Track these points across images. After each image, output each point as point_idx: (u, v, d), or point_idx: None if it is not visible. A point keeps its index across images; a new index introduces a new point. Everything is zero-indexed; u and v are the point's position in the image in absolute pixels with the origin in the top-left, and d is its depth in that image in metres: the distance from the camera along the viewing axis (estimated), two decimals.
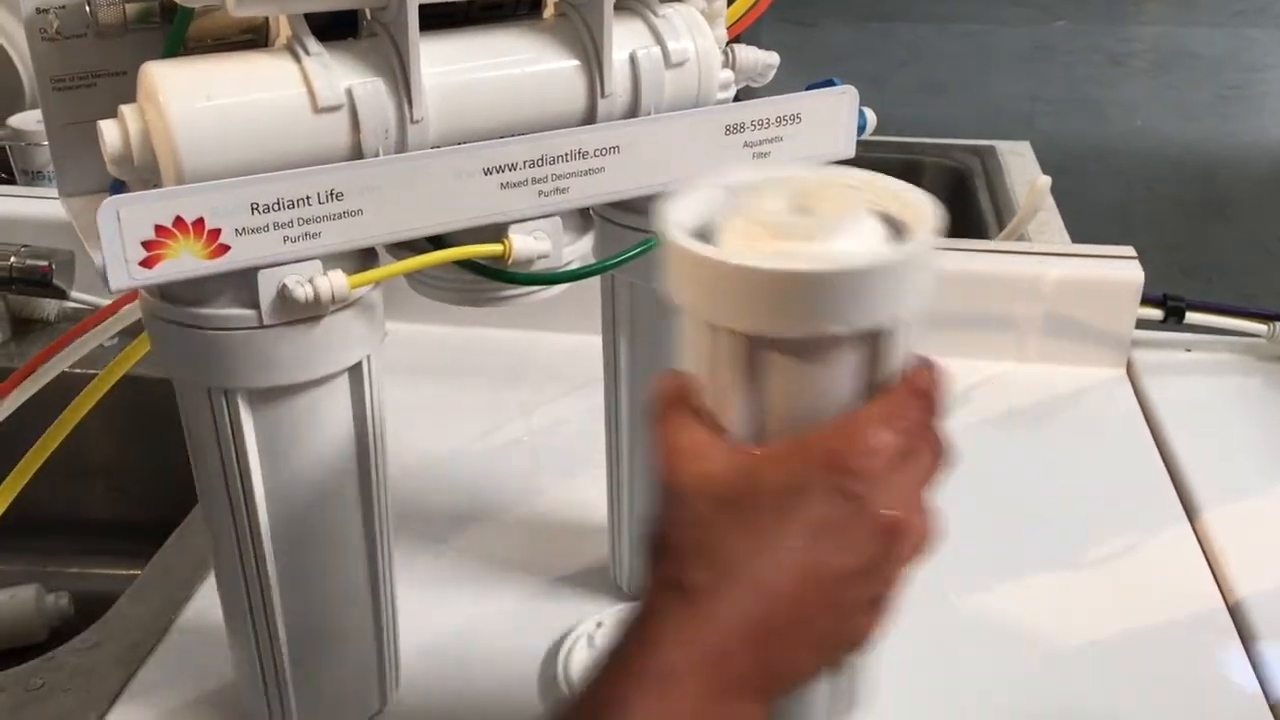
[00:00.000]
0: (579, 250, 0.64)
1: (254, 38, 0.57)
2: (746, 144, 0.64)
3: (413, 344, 1.08)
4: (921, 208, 0.49)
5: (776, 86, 0.69)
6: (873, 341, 0.48)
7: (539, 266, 0.61)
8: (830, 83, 0.67)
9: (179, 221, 0.50)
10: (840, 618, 0.46)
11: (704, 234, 0.48)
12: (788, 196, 0.49)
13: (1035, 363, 1.11)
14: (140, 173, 0.53)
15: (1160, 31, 4.96)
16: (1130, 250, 1.12)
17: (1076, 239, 1.25)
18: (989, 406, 1.06)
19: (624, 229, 0.67)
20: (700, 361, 0.50)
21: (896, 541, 0.47)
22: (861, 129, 0.69)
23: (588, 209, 0.65)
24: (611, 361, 0.74)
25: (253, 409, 0.58)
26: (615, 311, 0.73)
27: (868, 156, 0.70)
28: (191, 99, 0.51)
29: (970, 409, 1.05)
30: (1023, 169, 1.53)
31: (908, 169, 1.65)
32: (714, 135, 0.63)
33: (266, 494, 0.61)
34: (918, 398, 0.49)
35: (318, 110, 0.53)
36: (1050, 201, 1.33)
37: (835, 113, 0.67)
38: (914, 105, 3.67)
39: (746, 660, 0.44)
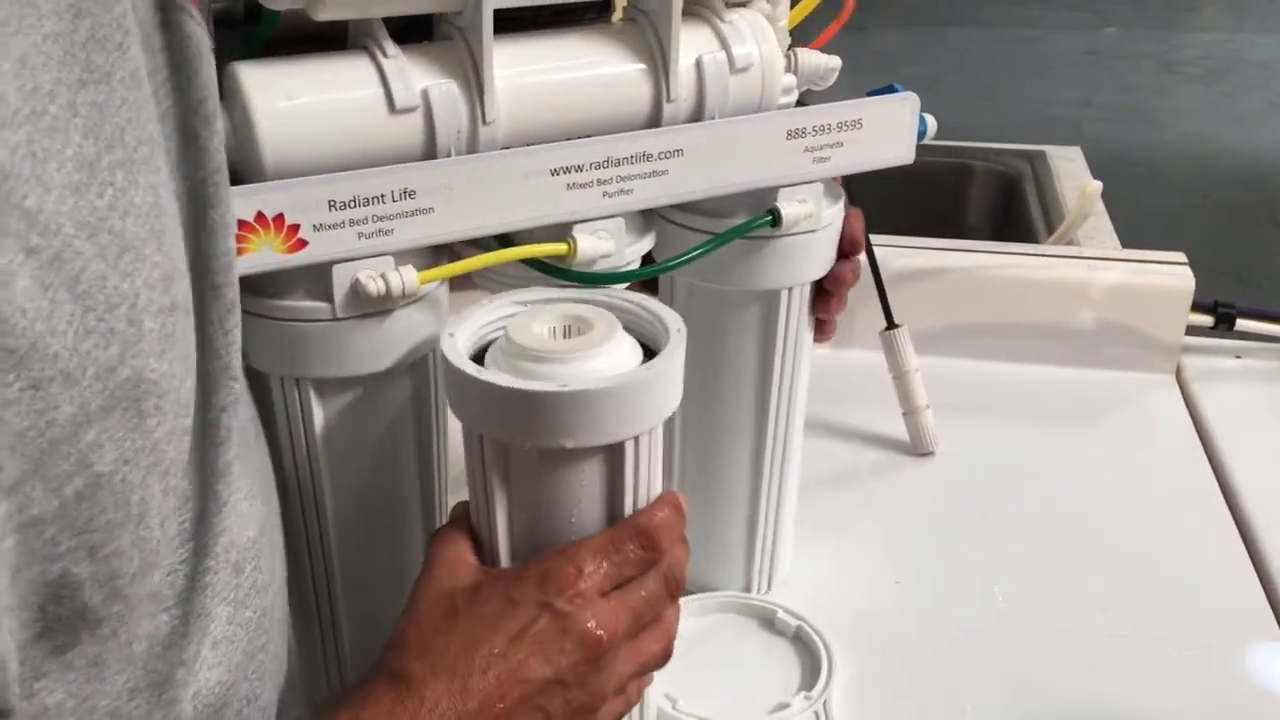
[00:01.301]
0: (640, 250, 0.65)
1: (330, 38, 0.58)
2: (808, 149, 0.65)
3: None
4: (672, 332, 0.56)
5: (830, 90, 0.70)
6: (609, 455, 0.55)
7: (601, 266, 0.61)
8: (892, 88, 0.67)
9: (260, 217, 0.52)
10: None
11: (481, 352, 0.57)
12: (560, 319, 0.57)
13: (1085, 368, 1.12)
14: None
15: (1213, 38, 4.92)
16: (1181, 256, 1.12)
17: (1127, 245, 1.25)
18: (1038, 411, 1.07)
19: (685, 230, 0.68)
20: (472, 471, 0.57)
21: (598, 655, 0.52)
22: (922, 135, 0.70)
23: (650, 210, 0.66)
24: None
25: (322, 398, 0.59)
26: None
27: (919, 160, 0.71)
28: (274, 99, 0.52)
29: (1019, 413, 1.06)
30: (1073, 174, 1.53)
31: (958, 173, 1.65)
32: (776, 139, 0.64)
33: (331, 478, 0.62)
34: (639, 535, 0.55)
35: (395, 111, 0.54)
36: (1100, 207, 1.33)
37: (897, 119, 0.68)
38: (964, 110, 3.65)
39: None
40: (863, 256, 0.77)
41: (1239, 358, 1.14)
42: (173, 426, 0.41)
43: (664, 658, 0.57)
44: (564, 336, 0.57)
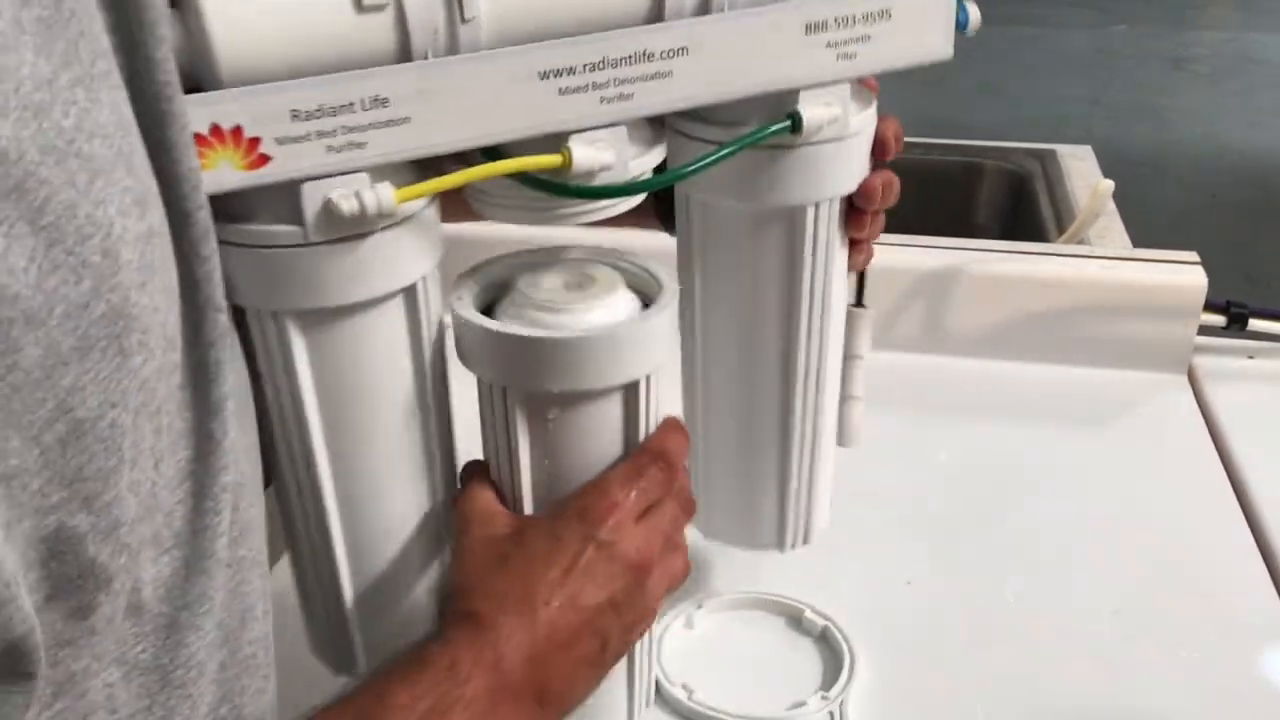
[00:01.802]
0: (647, 165, 0.59)
1: None
2: (830, 44, 0.58)
3: None
4: (667, 287, 0.59)
5: None
6: (627, 393, 0.58)
7: (602, 179, 0.56)
8: None
9: (216, 130, 0.47)
10: (601, 641, 0.56)
11: (491, 307, 0.59)
12: (565, 275, 0.59)
13: (1096, 368, 1.11)
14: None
15: (1223, 36, 4.91)
16: (1193, 256, 1.11)
17: (1137, 245, 1.24)
18: (1049, 411, 1.06)
19: (696, 141, 0.61)
20: (493, 426, 0.60)
21: (643, 577, 0.57)
22: (963, 26, 0.62)
23: (659, 119, 0.61)
24: (689, 290, 0.69)
25: (304, 332, 0.55)
26: (690, 235, 0.68)
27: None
28: (228, 3, 0.47)
29: (1030, 414, 1.05)
30: (1084, 173, 1.53)
31: (968, 172, 1.64)
32: (793, 35, 0.57)
33: (321, 419, 0.58)
34: (658, 459, 0.60)
35: (362, 9, 0.49)
36: (1111, 206, 1.32)
37: (931, 6, 0.61)
38: (973, 108, 3.65)
39: (521, 673, 0.53)
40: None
41: (1252, 358, 1.13)
42: (161, 363, 0.39)
43: (686, 572, 0.61)
44: (570, 291, 0.58)
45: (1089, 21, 5.00)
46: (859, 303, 0.88)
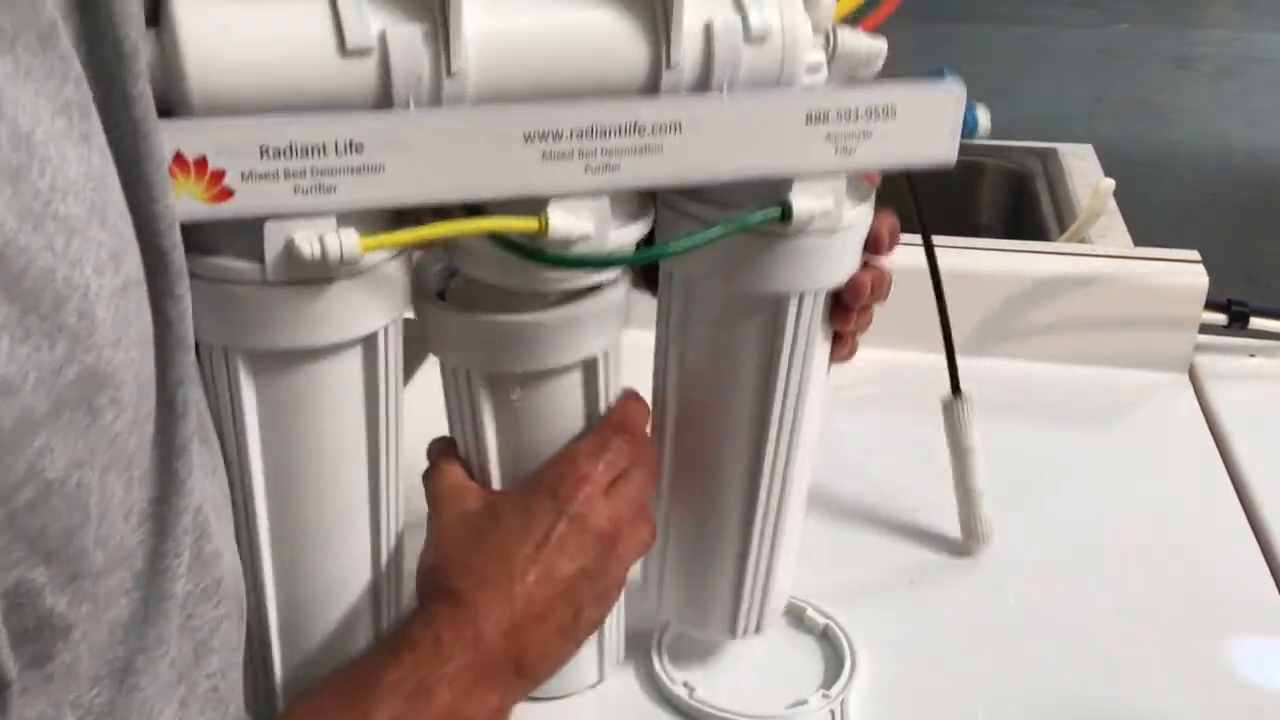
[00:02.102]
0: (631, 236, 0.58)
1: None
2: (829, 136, 0.56)
3: None
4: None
5: None
6: (586, 368, 0.61)
7: (580, 249, 0.55)
8: (941, 71, 0.59)
9: (179, 159, 0.46)
10: (575, 611, 0.58)
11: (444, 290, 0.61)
12: None
13: (1097, 367, 1.11)
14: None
15: (1225, 36, 4.90)
16: (1194, 254, 1.11)
17: (1139, 244, 1.24)
18: (1050, 410, 1.06)
19: (685, 218, 0.60)
20: (459, 408, 0.62)
21: (613, 546, 0.59)
22: (971, 131, 0.60)
23: (649, 191, 0.59)
24: (662, 369, 0.68)
25: (254, 374, 0.54)
26: (670, 307, 0.66)
27: None
28: (208, 29, 0.46)
29: (1030, 412, 1.05)
30: (1085, 172, 1.53)
31: (969, 171, 1.64)
32: (792, 123, 0.55)
33: (265, 467, 0.56)
34: (620, 430, 0.63)
35: (346, 53, 0.48)
36: (1113, 205, 1.32)
37: (938, 111, 0.58)
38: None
39: (501, 647, 0.55)
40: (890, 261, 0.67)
41: (1253, 356, 1.13)
42: (133, 415, 0.38)
43: (653, 539, 0.63)
44: None
45: (1091, 21, 5.00)
46: (956, 390, 0.85)
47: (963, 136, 0.60)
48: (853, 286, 0.63)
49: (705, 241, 0.57)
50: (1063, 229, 1.36)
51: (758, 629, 0.73)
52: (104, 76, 0.40)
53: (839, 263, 0.62)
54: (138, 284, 0.39)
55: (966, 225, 1.59)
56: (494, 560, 0.57)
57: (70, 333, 0.35)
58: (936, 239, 0.79)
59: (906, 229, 0.68)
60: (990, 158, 1.65)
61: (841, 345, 0.67)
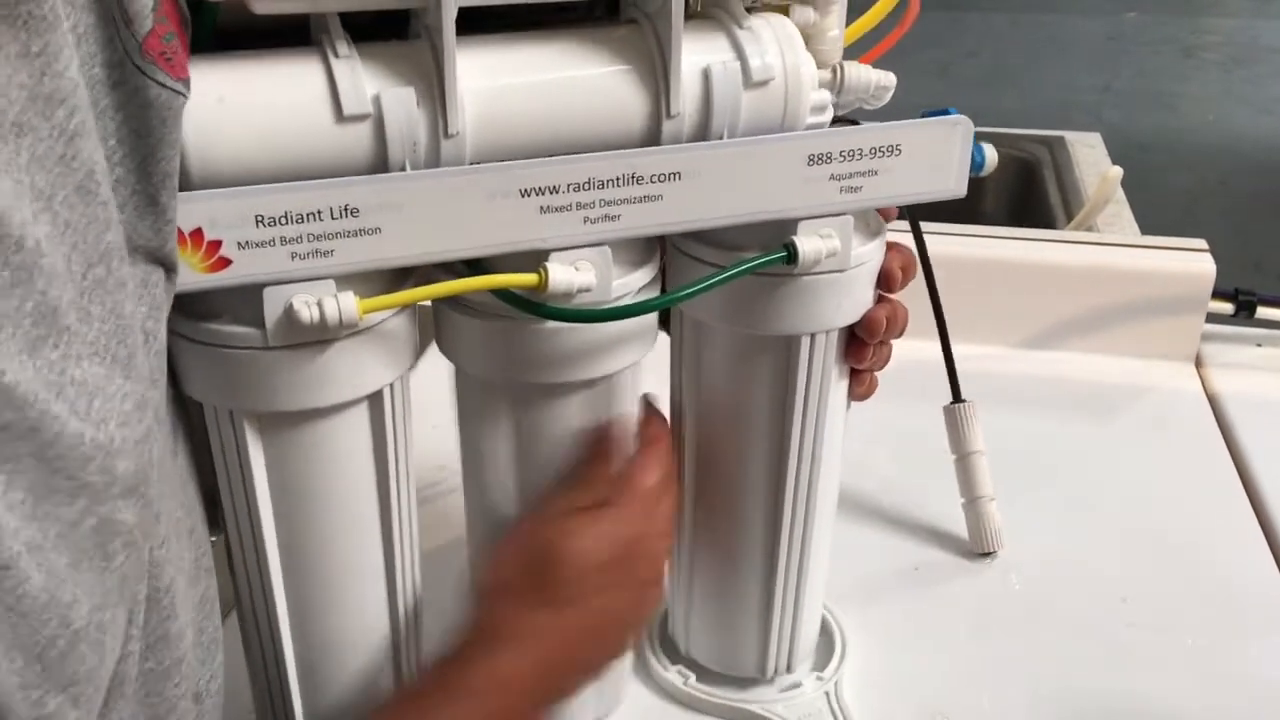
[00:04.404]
0: (636, 283, 0.57)
1: (292, 31, 0.51)
2: (833, 177, 0.56)
3: None
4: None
5: None
6: (602, 385, 0.59)
7: (582, 300, 0.54)
8: (945, 112, 0.59)
9: (176, 231, 0.46)
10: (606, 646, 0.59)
11: None
12: None
13: (1103, 355, 1.11)
14: None
15: (1235, 24, 4.88)
16: (1202, 243, 1.11)
17: (1146, 232, 1.24)
18: (1056, 398, 1.06)
19: (692, 261, 0.59)
20: (480, 421, 0.61)
21: (653, 591, 0.60)
22: (979, 168, 0.60)
23: (658, 236, 0.58)
24: (678, 405, 0.67)
25: (261, 434, 0.53)
26: (683, 349, 0.66)
27: None
28: (205, 100, 0.46)
29: (1037, 401, 1.05)
30: (1093, 160, 1.52)
31: None
32: (794, 165, 0.55)
33: (277, 524, 0.56)
34: (656, 444, 0.62)
35: (342, 119, 0.48)
36: (1120, 193, 1.32)
37: (943, 147, 0.58)
38: (982, 95, 3.63)
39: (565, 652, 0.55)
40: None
41: (1260, 345, 1.13)
42: (143, 553, 0.40)
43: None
44: None
45: (1099, 9, 4.98)
46: (957, 398, 0.85)
47: (971, 170, 0.60)
48: (867, 323, 0.62)
49: (708, 288, 0.56)
50: (1070, 217, 1.36)
51: (789, 669, 0.73)
52: (147, 195, 0.42)
53: (850, 301, 0.61)
54: (160, 420, 0.41)
55: (973, 213, 1.59)
56: (545, 590, 0.56)
57: (90, 489, 0.36)
58: (943, 226, 0.79)
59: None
60: (998, 145, 1.63)
61: (859, 382, 0.66)
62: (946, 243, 1.11)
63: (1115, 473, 0.96)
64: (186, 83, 0.43)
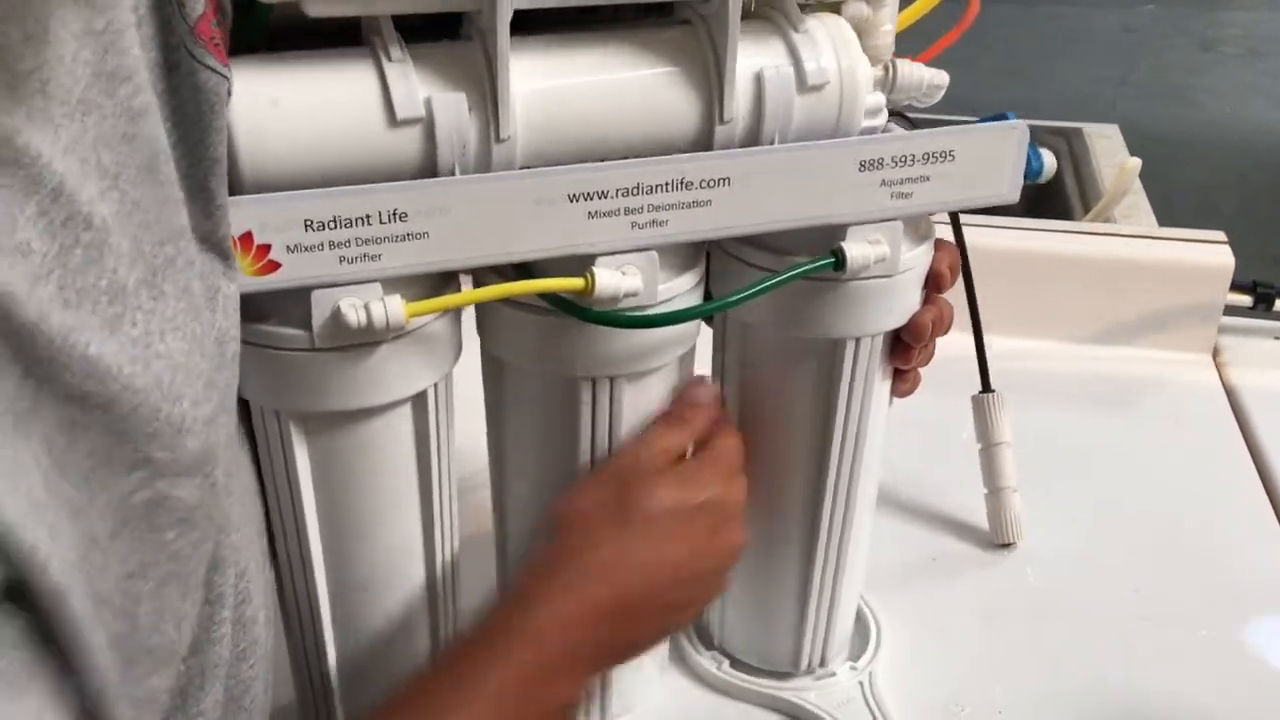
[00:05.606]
0: (683, 287, 0.57)
1: (344, 31, 0.51)
2: (885, 182, 0.55)
3: None
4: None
5: None
6: (675, 366, 0.60)
7: (628, 304, 0.54)
8: (1002, 117, 0.57)
9: (227, 218, 0.46)
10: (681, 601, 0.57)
11: None
12: None
13: (1121, 347, 1.10)
14: None
15: (1254, 17, 4.85)
16: (1221, 235, 1.11)
17: (1164, 224, 1.23)
18: (1073, 391, 1.06)
19: (741, 264, 0.59)
20: (516, 412, 0.61)
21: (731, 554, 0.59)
22: (1036, 174, 0.60)
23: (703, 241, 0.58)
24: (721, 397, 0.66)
25: (306, 434, 0.54)
26: (726, 349, 0.66)
27: None
28: (258, 103, 0.46)
29: (1054, 393, 1.05)
30: (1110, 152, 1.51)
31: None
32: (845, 171, 0.54)
33: (320, 524, 0.57)
34: (699, 408, 0.61)
35: (395, 124, 0.48)
36: (1138, 185, 1.31)
37: (999, 152, 0.57)
38: (999, 87, 3.62)
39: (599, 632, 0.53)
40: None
41: (1278, 338, 1.12)
42: (199, 536, 0.40)
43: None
44: None
45: (1117, 1, 4.96)
46: (987, 388, 0.85)
47: (1025, 178, 0.59)
48: (913, 327, 0.61)
49: (756, 294, 0.56)
50: (1087, 209, 1.36)
51: (822, 663, 0.73)
52: (195, 183, 0.42)
53: (897, 305, 0.60)
54: (225, 410, 0.41)
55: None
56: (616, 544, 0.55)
57: (153, 465, 0.36)
58: (960, 217, 0.78)
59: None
60: None
61: (903, 380, 0.66)
62: (964, 233, 1.11)
63: (1131, 465, 0.96)
64: (229, 69, 0.43)
